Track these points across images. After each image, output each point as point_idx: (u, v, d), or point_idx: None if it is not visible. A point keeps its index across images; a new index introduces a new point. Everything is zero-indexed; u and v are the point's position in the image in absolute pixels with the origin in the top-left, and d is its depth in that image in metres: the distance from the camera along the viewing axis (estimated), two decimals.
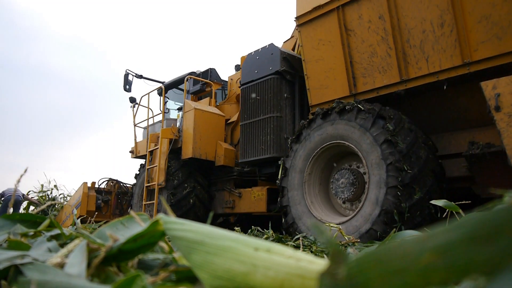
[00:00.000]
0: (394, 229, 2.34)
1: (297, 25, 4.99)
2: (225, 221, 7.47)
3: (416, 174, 3.55)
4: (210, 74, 7.22)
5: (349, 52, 4.52)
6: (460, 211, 1.77)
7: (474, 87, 3.58)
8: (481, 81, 3.32)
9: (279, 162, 4.67)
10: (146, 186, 6.53)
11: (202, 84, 7.11)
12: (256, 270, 0.44)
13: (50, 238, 0.79)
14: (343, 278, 0.34)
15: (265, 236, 3.45)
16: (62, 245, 0.74)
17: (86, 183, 7.64)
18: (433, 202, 1.82)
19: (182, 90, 7.86)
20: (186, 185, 6.25)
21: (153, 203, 6.27)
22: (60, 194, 8.84)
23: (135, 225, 0.77)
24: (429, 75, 3.93)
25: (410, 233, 1.48)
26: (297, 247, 2.74)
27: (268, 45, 5.35)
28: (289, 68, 5.18)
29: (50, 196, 8.78)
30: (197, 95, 7.51)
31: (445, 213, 2.37)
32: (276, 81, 5.15)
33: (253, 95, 5.36)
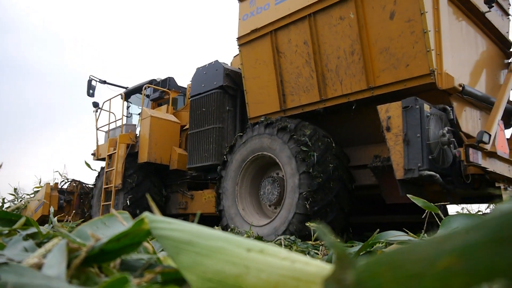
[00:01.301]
0: (378, 229, 2.64)
1: (238, 45, 5.50)
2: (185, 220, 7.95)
3: (324, 182, 4.10)
4: (169, 82, 7.68)
5: (280, 72, 5.05)
6: (439, 212, 1.86)
7: (376, 109, 4.14)
8: (383, 103, 3.89)
9: (218, 170, 5.19)
10: (104, 188, 6.96)
11: (161, 92, 7.57)
12: (248, 272, 0.41)
13: (26, 237, 0.76)
14: (352, 284, 0.32)
15: (246, 235, 3.61)
16: (39, 245, 0.71)
17: (49, 183, 8.03)
18: (413, 200, 1.87)
19: (145, 95, 8.29)
20: (141, 186, 6.71)
21: (110, 204, 6.71)
22: (23, 194, 9.15)
23: (116, 224, 0.74)
24: (342, 96, 4.49)
25: (393, 233, 1.47)
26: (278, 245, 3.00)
27: (214, 61, 5.85)
28: (231, 83, 5.69)
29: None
30: (157, 102, 7.96)
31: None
32: (219, 95, 5.65)
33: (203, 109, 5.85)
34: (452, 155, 3.48)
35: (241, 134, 4.94)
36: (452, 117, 3.89)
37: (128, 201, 6.54)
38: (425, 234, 2.23)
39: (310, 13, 4.66)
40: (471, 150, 3.39)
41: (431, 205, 1.80)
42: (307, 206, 4.05)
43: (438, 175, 3.52)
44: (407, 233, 1.70)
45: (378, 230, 1.52)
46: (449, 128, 3.75)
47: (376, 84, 4.20)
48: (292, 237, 3.26)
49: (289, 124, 4.43)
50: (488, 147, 3.70)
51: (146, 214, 0.55)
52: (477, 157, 3.44)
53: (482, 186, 4.05)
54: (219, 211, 5.02)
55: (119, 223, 0.74)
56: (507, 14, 5.72)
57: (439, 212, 1.82)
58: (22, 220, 0.89)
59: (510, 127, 5.14)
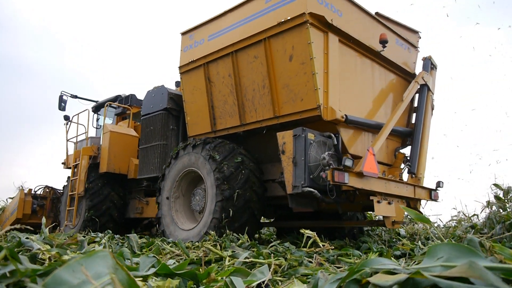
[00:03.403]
0: (366, 255, 2.53)
1: (180, 73, 6.36)
2: (150, 223, 8.82)
3: (236, 191, 4.95)
4: (131, 99, 8.53)
5: (211, 98, 5.92)
6: (431, 223, 2.09)
7: None
8: (286, 130, 4.75)
9: (158, 182, 6.05)
10: (70, 194, 7.80)
11: (123, 107, 8.42)
12: None
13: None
14: None
15: (240, 241, 3.96)
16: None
17: (23, 189, 8.87)
18: (406, 211, 1.91)
19: (114, 107, 9.13)
20: (102, 192, 7.54)
21: (73, 209, 7.56)
22: (7, 198, 9.98)
23: (95, 264, 0.74)
24: (256, 122, 5.37)
25: (380, 261, 1.41)
26: (272, 253, 3.11)
27: (160, 86, 6.72)
28: (175, 105, 6.55)
29: None
30: (121, 116, 8.81)
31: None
32: (164, 115, 6.52)
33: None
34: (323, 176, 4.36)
35: (177, 152, 5.80)
36: (336, 143, 4.78)
37: (89, 206, 7.37)
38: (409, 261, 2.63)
39: (233, 51, 5.53)
40: (336, 172, 4.26)
41: (423, 217, 1.99)
42: (222, 211, 4.91)
43: (316, 191, 4.41)
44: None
45: (364, 257, 1.65)
46: (330, 152, 4.64)
47: (280, 113, 5.08)
48: (287, 244, 3.54)
49: (209, 143, 5.31)
50: (364, 168, 4.58)
51: None
52: (343, 178, 4.31)
53: (363, 199, 4.95)
54: (157, 218, 5.87)
55: (97, 264, 0.76)
56: (415, 47, 6.63)
57: (431, 223, 2.06)
58: (2, 254, 0.92)
59: (406, 147, 6.04)
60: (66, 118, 9.00)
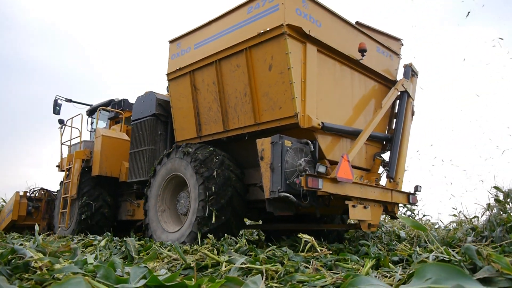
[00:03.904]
0: (351, 276, 2.14)
1: (168, 80, 6.56)
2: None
3: (217, 191, 5.13)
4: (123, 104, 8.74)
5: (197, 105, 6.12)
6: (428, 231, 2.24)
7: None
8: (267, 137, 4.93)
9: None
10: (63, 197, 8.02)
11: (116, 112, 8.63)
12: None
13: None
14: None
15: (238, 245, 4.04)
16: None
17: (19, 192, 9.10)
18: (403, 219, 2.00)
19: (107, 111, 9.34)
20: (94, 195, 7.74)
21: (66, 211, 7.77)
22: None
23: None
24: (239, 128, 5.56)
25: (368, 280, 1.45)
26: (269, 257, 3.11)
27: (149, 92, 6.92)
28: (163, 111, 6.76)
29: None
30: (114, 120, 9.02)
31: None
32: (152, 121, 6.72)
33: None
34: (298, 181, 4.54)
35: (162, 158, 6.00)
36: (313, 149, 4.97)
37: (81, 209, 7.58)
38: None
39: (217, 59, 5.73)
40: (309, 178, 4.44)
41: (420, 224, 2.03)
42: (205, 210, 5.10)
43: (292, 196, 4.60)
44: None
45: (352, 276, 1.57)
46: (307, 158, 4.83)
47: (261, 121, 5.27)
48: (284, 249, 3.56)
49: (191, 148, 5.51)
50: (338, 174, 4.77)
51: None
52: (317, 183, 4.50)
53: (339, 203, 5.13)
54: (145, 225, 6.06)
55: None
56: (397, 54, 6.81)
57: (427, 231, 2.25)
58: None
59: (386, 152, 6.22)
60: (61, 121, 9.21)
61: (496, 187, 5.40)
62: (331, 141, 5.37)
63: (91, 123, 9.76)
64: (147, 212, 6.04)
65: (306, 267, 2.63)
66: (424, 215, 9.55)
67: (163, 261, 3.29)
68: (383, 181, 5.93)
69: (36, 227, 3.85)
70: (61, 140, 9.19)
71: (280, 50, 4.96)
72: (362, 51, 5.69)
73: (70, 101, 9.64)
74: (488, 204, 5.32)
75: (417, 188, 6.01)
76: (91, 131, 9.70)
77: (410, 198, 5.92)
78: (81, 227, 7.51)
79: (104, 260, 3.18)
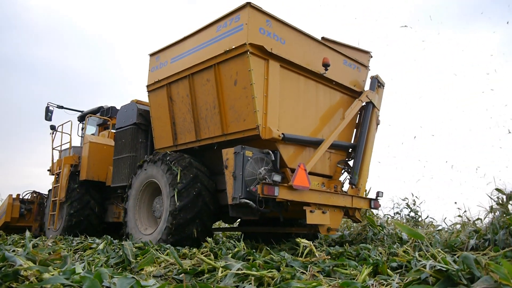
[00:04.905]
0: (347, 284, 2.25)
1: (147, 91, 6.98)
2: None
3: (187, 203, 5.54)
4: (111, 111, 9.18)
5: (173, 115, 6.54)
6: (424, 238, 2.17)
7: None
8: (233, 146, 5.32)
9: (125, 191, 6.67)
10: (52, 200, 8.47)
11: (104, 119, 9.08)
12: None
13: None
14: None
15: (237, 249, 4.01)
16: None
17: (11, 195, 9.58)
18: (398, 226, 2.10)
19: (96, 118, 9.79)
20: (81, 198, 8.18)
21: (55, 213, 8.22)
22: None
23: None
24: (209, 138, 5.96)
25: None
26: (267, 262, 3.12)
27: (131, 102, 7.35)
28: (143, 121, 7.18)
29: None
30: (103, 126, 9.47)
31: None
32: (133, 130, 7.15)
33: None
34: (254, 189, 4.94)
35: (141, 164, 6.42)
36: (274, 159, 5.37)
37: (70, 211, 8.02)
38: None
39: (190, 73, 6.14)
40: (265, 186, 4.85)
41: (416, 232, 2.03)
42: (172, 221, 5.52)
43: (251, 202, 5.00)
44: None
45: (347, 284, 1.60)
46: (267, 167, 5.23)
47: (228, 131, 5.68)
48: (282, 253, 3.55)
49: (168, 158, 5.92)
50: (294, 182, 5.16)
51: None
52: (273, 191, 4.90)
53: (298, 208, 5.52)
54: (124, 222, 6.49)
55: None
56: (365, 66, 7.18)
57: (424, 239, 2.20)
58: None
59: (350, 160, 6.60)
60: (52, 127, 9.65)
61: (498, 189, 5.19)
62: (294, 151, 5.76)
63: (82, 129, 10.20)
64: (127, 211, 6.46)
65: (304, 273, 2.58)
66: (427, 216, 9.67)
67: (160, 266, 3.32)
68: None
69: (27, 234, 3.96)
70: (52, 145, 9.64)
71: (243, 67, 5.36)
72: (326, 65, 6.07)
73: (62, 107, 10.09)
74: (491, 207, 5.19)
75: (378, 194, 6.40)
76: (81, 136, 10.14)
77: (372, 203, 6.30)
78: (70, 229, 7.95)
79: (95, 269, 2.97)
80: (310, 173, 5.86)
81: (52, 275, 2.21)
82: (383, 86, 7.14)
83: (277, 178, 4.95)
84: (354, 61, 6.93)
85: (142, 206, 6.40)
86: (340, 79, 6.56)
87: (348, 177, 6.33)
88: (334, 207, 5.74)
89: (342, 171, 6.31)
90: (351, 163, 6.62)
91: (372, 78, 7.01)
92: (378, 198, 6.40)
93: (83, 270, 2.45)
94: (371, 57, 7.34)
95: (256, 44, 5.33)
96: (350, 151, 6.64)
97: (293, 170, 5.58)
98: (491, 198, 5.17)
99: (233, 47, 5.45)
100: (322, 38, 6.50)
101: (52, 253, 3.14)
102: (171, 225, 5.50)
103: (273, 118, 5.45)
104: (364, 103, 6.70)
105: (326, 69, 6.11)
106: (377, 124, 6.88)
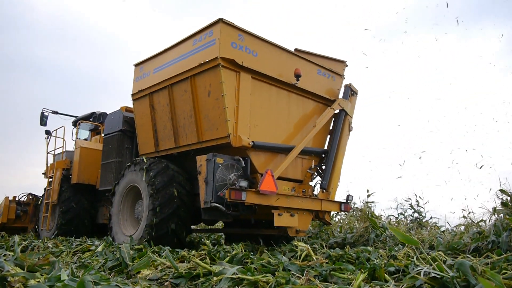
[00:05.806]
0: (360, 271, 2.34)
1: (132, 100, 7.37)
2: None
3: (164, 202, 5.92)
4: (102, 117, 9.59)
5: (154, 123, 6.93)
6: (420, 245, 2.32)
7: None
8: (208, 153, 5.69)
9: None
10: (45, 202, 8.90)
11: (96, 124, 9.50)
12: None
13: None
14: None
15: (235, 251, 4.07)
16: None
17: (8, 197, 10.04)
18: (393, 232, 2.03)
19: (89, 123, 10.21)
20: (73, 200, 8.61)
21: (47, 215, 8.66)
22: None
23: None
24: (186, 145, 6.34)
25: None
26: (264, 266, 3.10)
27: (118, 110, 7.76)
28: (129, 127, 7.59)
29: None
30: (95, 131, 9.89)
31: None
32: (119, 136, 7.55)
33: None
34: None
35: (124, 170, 6.81)
36: (244, 165, 5.73)
37: (61, 213, 8.45)
38: None
39: (169, 84, 6.52)
40: (232, 191, 5.21)
41: (410, 238, 2.04)
42: (152, 217, 5.89)
43: (221, 206, 5.37)
44: None
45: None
46: (237, 173, 5.60)
47: (203, 139, 6.05)
48: (280, 256, 3.59)
49: (146, 163, 6.31)
50: (261, 187, 5.51)
51: None
52: (240, 196, 5.26)
53: (267, 211, 5.88)
54: (109, 228, 6.89)
55: None
56: (340, 75, 7.52)
57: (419, 244, 2.28)
58: None
59: (322, 164, 6.95)
60: (47, 132, 10.08)
61: (502, 190, 5.20)
62: (265, 158, 6.12)
63: (76, 133, 10.62)
64: (111, 216, 6.87)
65: (299, 277, 2.56)
66: (431, 217, 9.75)
67: (156, 269, 3.35)
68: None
69: (16, 238, 4.23)
70: (47, 150, 10.08)
71: (216, 79, 5.73)
72: (297, 76, 6.42)
73: (57, 113, 10.51)
74: (494, 208, 5.19)
75: (348, 197, 6.74)
76: (75, 141, 10.56)
77: (342, 207, 6.64)
78: (62, 230, 8.37)
79: (87, 274, 2.85)
80: (282, 178, 6.25)
81: (38, 281, 2.27)
82: (356, 94, 7.47)
83: (243, 183, 5.32)
84: (328, 71, 7.27)
85: (125, 211, 6.79)
86: (313, 88, 6.90)
87: (319, 181, 6.67)
88: (303, 210, 6.09)
89: (313, 176, 6.65)
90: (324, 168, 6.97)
91: (346, 86, 7.35)
92: (348, 201, 6.73)
93: (68, 277, 2.45)
94: (346, 66, 7.68)
95: (228, 57, 5.69)
96: (323, 156, 6.99)
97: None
98: (498, 197, 5.16)
99: (207, 60, 5.82)
100: (295, 49, 6.85)
101: (40, 258, 3.21)
102: (152, 221, 5.86)
103: (244, 127, 5.81)
104: (337, 111, 7.05)
105: (298, 79, 6.46)
106: (350, 130, 7.22)
